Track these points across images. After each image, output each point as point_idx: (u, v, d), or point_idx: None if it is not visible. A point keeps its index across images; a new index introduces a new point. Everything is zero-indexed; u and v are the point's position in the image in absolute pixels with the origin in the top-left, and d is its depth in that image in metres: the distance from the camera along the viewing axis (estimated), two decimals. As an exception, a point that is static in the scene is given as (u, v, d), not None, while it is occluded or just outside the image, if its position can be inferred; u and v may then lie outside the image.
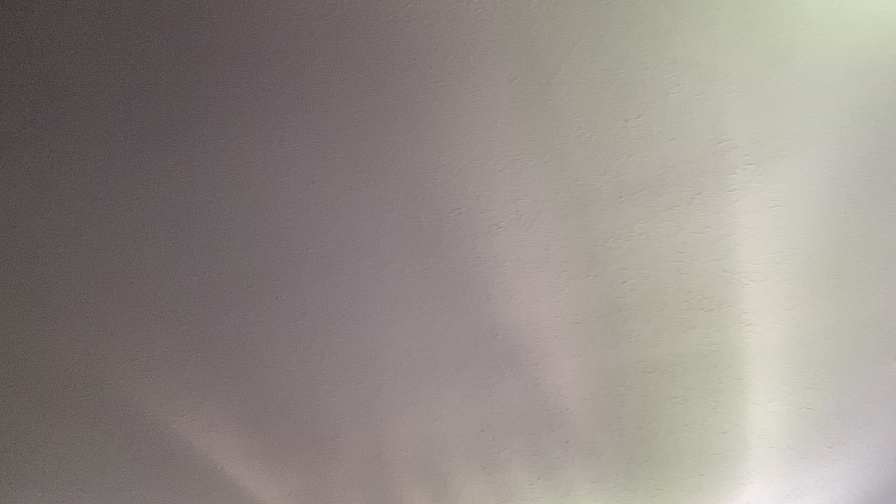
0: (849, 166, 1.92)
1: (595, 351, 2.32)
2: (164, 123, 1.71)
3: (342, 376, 2.32)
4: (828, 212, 2.02)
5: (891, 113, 1.82)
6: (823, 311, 2.28)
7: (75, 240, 1.90)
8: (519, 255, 2.06)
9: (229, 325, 2.15)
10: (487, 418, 2.52)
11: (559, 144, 1.83)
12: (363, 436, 2.52)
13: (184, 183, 1.82)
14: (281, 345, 2.21)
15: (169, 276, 2.01)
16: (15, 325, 2.07)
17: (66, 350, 2.15)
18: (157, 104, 1.67)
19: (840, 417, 2.65)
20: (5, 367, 2.18)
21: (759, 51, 1.67)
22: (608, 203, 1.96)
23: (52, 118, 1.67)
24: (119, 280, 2.00)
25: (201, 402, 2.34)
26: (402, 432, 2.54)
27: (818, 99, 1.78)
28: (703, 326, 2.28)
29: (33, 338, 2.11)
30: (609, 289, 2.16)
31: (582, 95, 1.74)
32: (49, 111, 1.65)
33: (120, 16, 1.51)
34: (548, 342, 2.29)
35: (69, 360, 2.18)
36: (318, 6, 1.54)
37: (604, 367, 2.38)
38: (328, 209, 1.92)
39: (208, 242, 1.95)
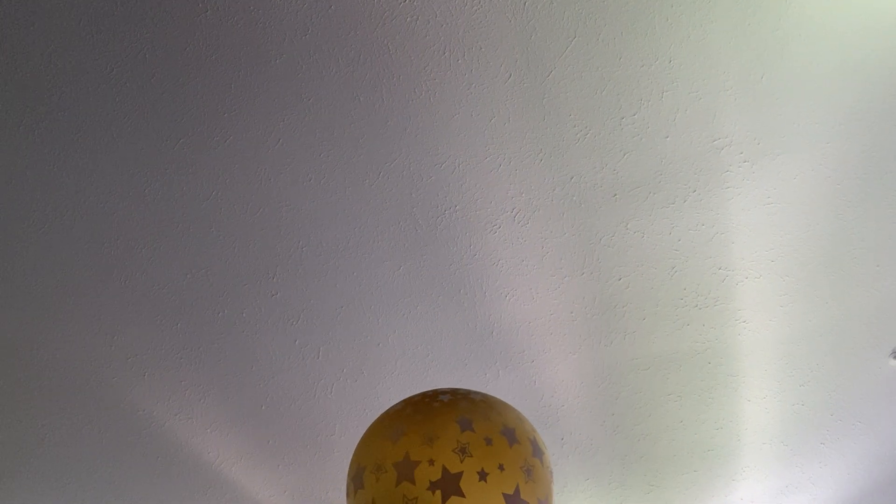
0: (843, 164, 1.94)
1: (590, 348, 2.33)
2: (159, 121, 1.70)
3: (338, 374, 2.32)
4: (822, 209, 2.04)
5: (884, 111, 1.83)
6: (817, 308, 2.29)
7: (69, 238, 1.90)
8: (514, 253, 2.06)
9: (224, 323, 2.15)
10: (483, 415, 2.52)
11: (554, 142, 1.83)
12: (360, 433, 2.52)
13: (179, 181, 1.82)
14: (277, 342, 2.21)
15: (164, 273, 2.01)
16: (10, 325, 2.07)
17: (60, 349, 2.14)
18: (153, 102, 1.67)
19: (833, 414, 2.66)
20: (0, 366, 2.17)
21: (754, 49, 1.68)
22: (603, 201, 1.97)
23: (49, 117, 1.66)
24: (114, 278, 2.00)
25: (197, 399, 2.33)
26: (398, 430, 2.54)
27: (812, 97, 1.79)
28: (697, 323, 2.29)
29: (27, 337, 2.10)
30: (604, 286, 2.16)
31: (577, 93, 1.74)
32: (46, 111, 1.65)
33: (118, 14, 1.51)
34: (543, 339, 2.29)
35: (64, 359, 2.17)
36: (314, 5, 1.54)
37: (599, 364, 2.39)
38: (324, 207, 1.92)
39: (203, 240, 1.95)
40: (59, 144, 1.72)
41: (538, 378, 2.41)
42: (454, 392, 1.20)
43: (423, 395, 1.22)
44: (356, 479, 1.14)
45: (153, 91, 1.65)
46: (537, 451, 1.14)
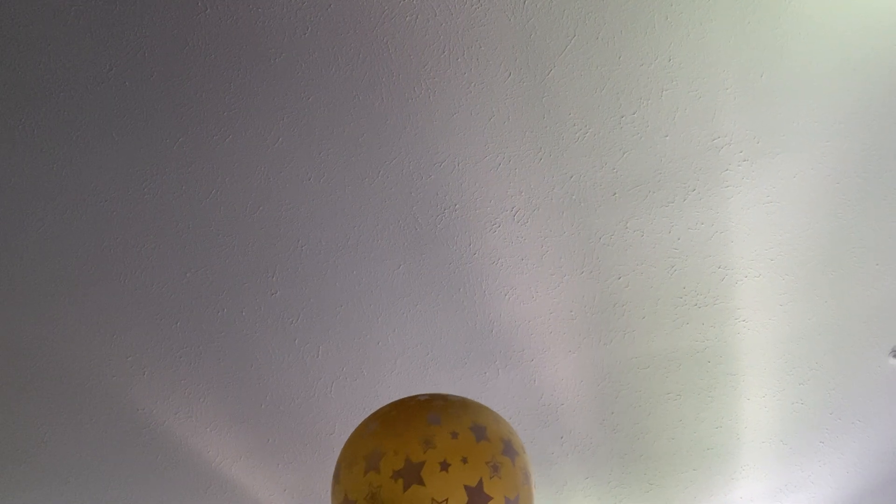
0: (842, 163, 1.94)
1: (590, 346, 2.33)
2: (158, 120, 1.70)
3: (338, 373, 2.32)
4: (821, 208, 2.04)
5: (883, 110, 1.83)
6: (816, 307, 2.29)
7: (68, 237, 1.90)
8: (514, 252, 2.06)
9: (224, 322, 2.15)
10: (482, 414, 2.52)
11: (554, 141, 1.83)
12: (359, 432, 2.52)
13: (178, 180, 1.82)
14: (276, 341, 2.21)
15: (163, 272, 2.01)
16: (9, 324, 2.07)
17: (60, 348, 2.14)
18: (152, 101, 1.67)
19: (832, 413, 2.67)
20: (0, 366, 2.17)
21: (753, 48, 1.68)
22: (603, 199, 1.97)
23: (48, 116, 1.66)
24: (113, 277, 2.00)
25: (196, 399, 2.33)
26: (398, 428, 2.54)
27: (811, 96, 1.79)
28: (696, 322, 2.29)
29: (27, 336, 2.10)
30: (603, 285, 2.17)
31: (577, 92, 1.74)
32: (45, 109, 1.65)
33: (117, 12, 1.51)
34: (543, 338, 2.29)
35: (63, 358, 2.17)
36: (313, 3, 1.54)
37: (598, 363, 2.39)
38: (323, 205, 1.92)
39: (202, 239, 1.95)
40: (57, 143, 1.71)
41: (538, 377, 2.41)
42: (433, 395, 1.25)
43: (406, 397, 1.28)
44: (336, 476, 1.20)
45: (152, 90, 1.65)
46: (510, 450, 1.16)
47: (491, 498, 1.07)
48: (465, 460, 1.07)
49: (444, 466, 1.06)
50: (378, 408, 2.40)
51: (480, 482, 1.07)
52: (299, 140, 1.78)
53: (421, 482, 1.05)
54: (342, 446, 1.27)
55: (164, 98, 1.66)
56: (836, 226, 2.09)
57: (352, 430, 2.51)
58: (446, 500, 1.04)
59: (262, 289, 2.08)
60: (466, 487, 1.06)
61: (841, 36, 1.67)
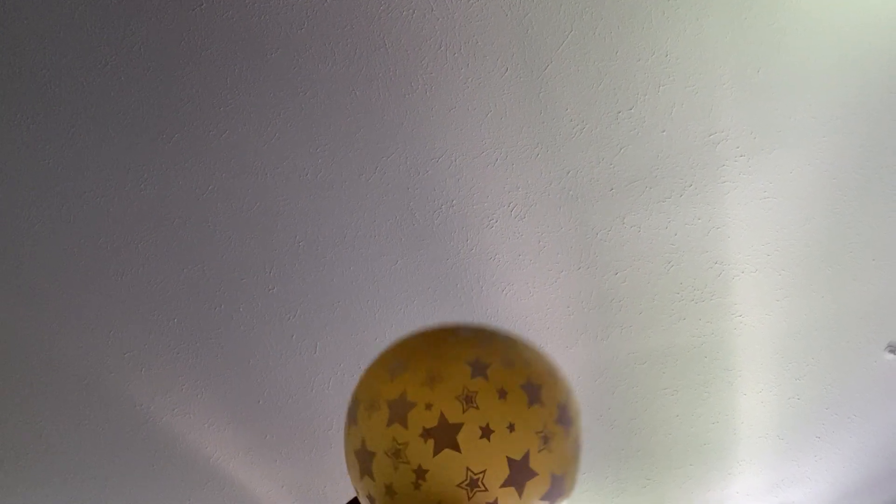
0: (839, 158, 1.94)
1: (586, 342, 2.34)
2: (155, 115, 1.70)
3: (335, 368, 2.32)
4: (818, 204, 2.04)
5: (881, 105, 1.84)
6: (813, 302, 2.30)
7: (65, 234, 1.89)
8: (511, 247, 2.06)
9: (221, 318, 2.15)
10: (480, 410, 2.52)
11: (551, 136, 1.83)
12: (356, 428, 2.52)
13: (175, 176, 1.82)
14: (273, 337, 2.21)
15: (160, 269, 2.01)
16: (6, 321, 2.06)
17: (57, 344, 2.14)
18: (149, 97, 1.67)
19: (829, 408, 2.67)
20: (-4, 360, 2.17)
21: (750, 43, 1.68)
22: (600, 195, 1.97)
23: (44, 112, 1.66)
24: (110, 274, 2.00)
25: (194, 395, 2.33)
26: (395, 424, 2.54)
27: (809, 91, 1.79)
28: (693, 317, 2.29)
29: (24, 333, 2.10)
30: (600, 280, 2.17)
31: (574, 88, 1.74)
32: (41, 106, 1.64)
33: (113, 8, 1.51)
34: (540, 334, 2.30)
35: (61, 355, 2.17)
36: (311, -2, 1.54)
37: (595, 359, 2.39)
38: (320, 201, 1.92)
39: (200, 235, 1.95)
40: (54, 140, 1.71)
41: (535, 372, 2.41)
42: (479, 330, 1.01)
43: (443, 326, 1.03)
44: (350, 414, 1.01)
45: (148, 86, 1.65)
46: (564, 418, 0.95)
47: (536, 474, 0.90)
48: (511, 427, 0.89)
49: (486, 433, 0.88)
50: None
51: (527, 455, 0.89)
52: (296, 136, 1.77)
53: (456, 447, 0.87)
54: (361, 376, 1.06)
55: (159, 94, 1.66)
56: (832, 221, 2.09)
57: (349, 425, 2.51)
58: (484, 472, 0.88)
59: (259, 285, 2.08)
60: (509, 460, 0.88)
61: (838, 32, 1.67)
